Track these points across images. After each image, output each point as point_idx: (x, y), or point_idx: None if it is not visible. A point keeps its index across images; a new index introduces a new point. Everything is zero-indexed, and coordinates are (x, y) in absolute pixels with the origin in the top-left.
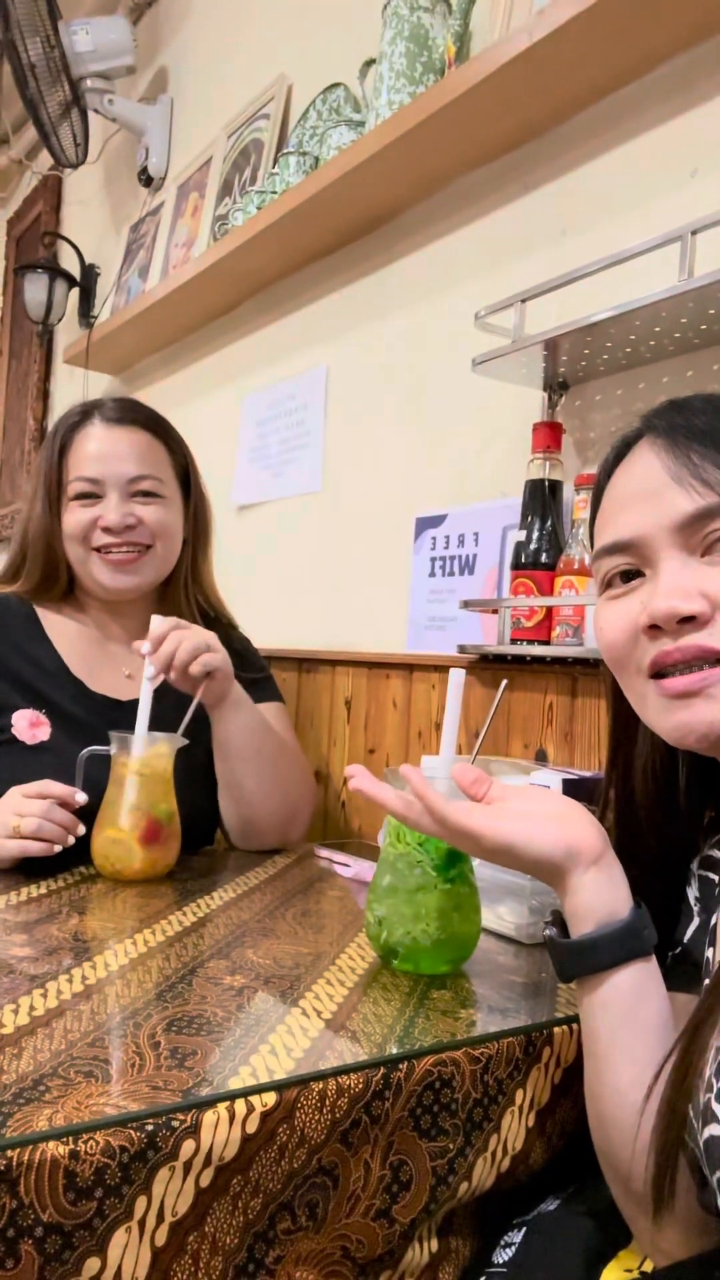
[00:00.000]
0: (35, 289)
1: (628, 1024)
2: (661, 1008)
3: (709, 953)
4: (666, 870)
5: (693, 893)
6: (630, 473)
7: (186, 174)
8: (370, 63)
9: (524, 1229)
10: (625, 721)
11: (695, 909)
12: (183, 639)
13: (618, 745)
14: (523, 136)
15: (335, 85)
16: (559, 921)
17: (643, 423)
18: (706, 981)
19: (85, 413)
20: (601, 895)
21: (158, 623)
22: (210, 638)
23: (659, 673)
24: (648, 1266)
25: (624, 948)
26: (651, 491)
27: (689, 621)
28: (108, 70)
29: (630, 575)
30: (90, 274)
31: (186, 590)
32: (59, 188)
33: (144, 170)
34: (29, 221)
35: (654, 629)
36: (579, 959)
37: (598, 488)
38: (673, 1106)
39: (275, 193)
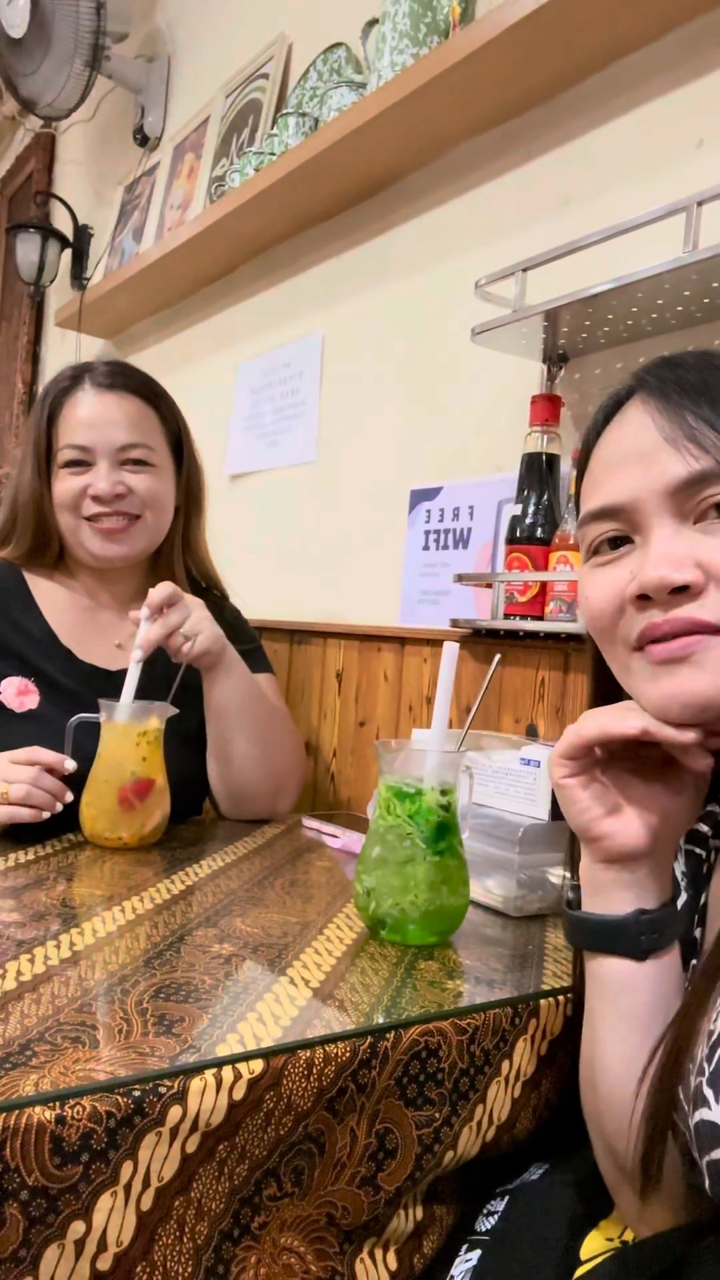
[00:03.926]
0: (27, 249)
1: (614, 1004)
2: (652, 1001)
3: (697, 932)
4: None
5: (679, 867)
6: (621, 433)
7: (183, 134)
8: (373, 23)
9: (507, 1197)
10: (606, 694)
11: (681, 884)
12: (171, 626)
13: None
14: (527, 102)
15: (336, 45)
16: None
17: (633, 379)
18: (694, 963)
19: (75, 377)
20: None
21: (155, 592)
22: (200, 618)
23: (645, 644)
24: (628, 1236)
25: (613, 942)
26: (643, 453)
27: (680, 592)
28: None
29: (618, 542)
30: (83, 235)
31: (179, 559)
32: (52, 146)
33: (139, 130)
34: (21, 180)
35: (643, 599)
36: (574, 932)
37: (585, 448)
38: (662, 1087)
39: (273, 154)
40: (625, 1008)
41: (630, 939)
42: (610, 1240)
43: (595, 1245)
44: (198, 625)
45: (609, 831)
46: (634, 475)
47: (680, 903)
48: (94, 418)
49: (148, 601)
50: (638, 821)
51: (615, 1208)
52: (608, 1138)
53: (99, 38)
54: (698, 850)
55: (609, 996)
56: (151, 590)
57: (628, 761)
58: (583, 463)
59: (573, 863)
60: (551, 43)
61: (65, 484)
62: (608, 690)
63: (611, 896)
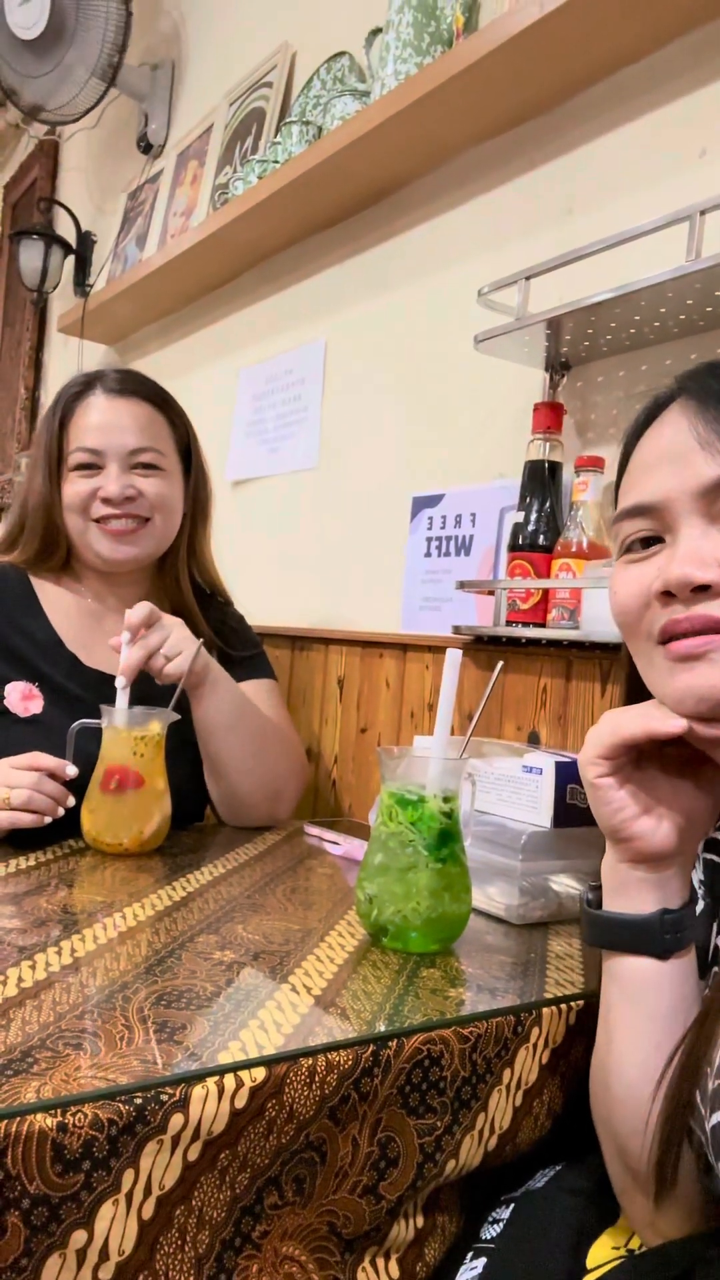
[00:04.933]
0: (30, 255)
1: (635, 1005)
2: (673, 1002)
3: (717, 940)
4: None
5: (698, 876)
6: (659, 435)
7: (186, 142)
8: (376, 32)
9: (512, 1205)
10: (640, 697)
11: (700, 892)
12: (151, 647)
13: None
14: (530, 111)
15: (340, 54)
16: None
17: (676, 383)
18: (715, 970)
19: (87, 383)
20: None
21: (132, 614)
22: (181, 638)
23: (667, 639)
24: (635, 1244)
25: (638, 941)
26: (678, 455)
27: (703, 590)
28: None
29: (650, 542)
30: (86, 241)
31: (184, 565)
32: (56, 153)
33: (143, 137)
34: (25, 186)
35: (667, 595)
36: (595, 931)
37: (626, 448)
38: (679, 1091)
39: (277, 162)
40: (647, 1008)
41: (655, 938)
42: (617, 1249)
43: (602, 1253)
44: (178, 645)
45: (641, 832)
46: (667, 476)
47: (698, 910)
48: (105, 422)
49: (126, 624)
50: (668, 822)
51: (622, 1215)
52: (621, 1141)
53: (121, 52)
54: (716, 858)
55: (630, 997)
56: (128, 612)
57: (655, 761)
58: (623, 462)
59: None
60: (554, 52)
61: (75, 486)
62: (641, 694)
63: (636, 896)
